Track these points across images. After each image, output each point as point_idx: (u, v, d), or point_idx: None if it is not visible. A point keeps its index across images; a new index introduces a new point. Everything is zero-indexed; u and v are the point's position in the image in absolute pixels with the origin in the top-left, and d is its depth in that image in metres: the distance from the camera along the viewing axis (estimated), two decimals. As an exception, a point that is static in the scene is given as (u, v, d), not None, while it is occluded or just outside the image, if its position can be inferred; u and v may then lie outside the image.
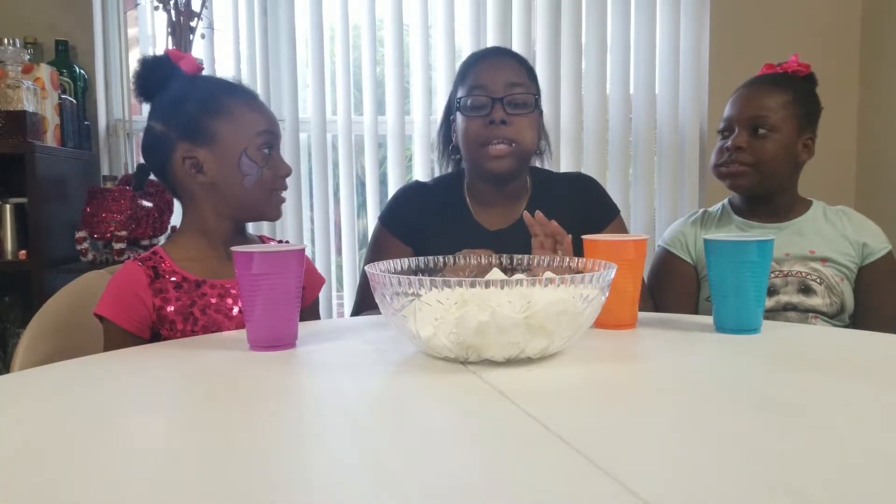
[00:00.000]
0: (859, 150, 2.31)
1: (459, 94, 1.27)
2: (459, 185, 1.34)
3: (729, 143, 1.31)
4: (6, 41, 1.76)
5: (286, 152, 2.10)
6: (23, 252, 1.80)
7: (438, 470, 0.45)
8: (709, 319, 0.92)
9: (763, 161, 1.28)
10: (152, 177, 1.10)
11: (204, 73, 1.10)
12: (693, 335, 0.86)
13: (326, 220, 2.20)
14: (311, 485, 0.44)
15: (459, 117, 1.26)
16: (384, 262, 0.83)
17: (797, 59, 1.34)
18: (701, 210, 1.45)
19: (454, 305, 0.68)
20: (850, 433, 0.51)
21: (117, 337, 0.96)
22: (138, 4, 2.10)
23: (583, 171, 2.20)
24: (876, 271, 1.30)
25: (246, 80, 2.02)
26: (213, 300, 1.00)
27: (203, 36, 2.03)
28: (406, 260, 0.86)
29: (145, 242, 1.87)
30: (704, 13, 2.25)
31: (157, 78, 1.03)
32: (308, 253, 1.26)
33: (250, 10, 2.13)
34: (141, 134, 1.11)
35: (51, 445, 0.51)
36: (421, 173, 2.20)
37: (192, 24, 1.89)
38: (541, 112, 1.30)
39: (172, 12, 1.86)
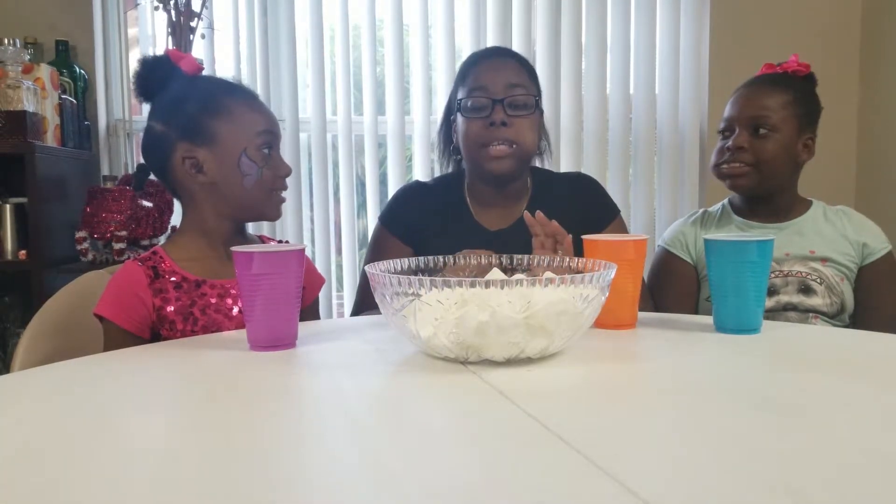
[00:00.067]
0: (859, 150, 2.31)
1: (460, 95, 1.27)
2: (460, 185, 1.34)
3: (730, 143, 1.31)
4: (6, 41, 1.76)
5: (286, 152, 2.10)
6: (23, 252, 1.80)
7: (438, 470, 0.45)
8: (709, 319, 0.92)
9: (764, 161, 1.28)
10: (152, 177, 1.10)
11: (204, 73, 1.10)
12: (693, 335, 0.86)
13: (326, 220, 2.20)
14: (311, 485, 0.44)
15: (460, 118, 1.26)
16: (384, 262, 0.83)
17: (797, 59, 1.34)
18: (701, 210, 1.45)
19: (454, 305, 0.68)
20: (850, 433, 0.51)
21: (117, 337, 0.96)
22: (138, 4, 2.10)
23: (583, 171, 2.20)
24: (876, 271, 1.30)
25: (246, 80, 2.02)
26: (213, 300, 1.00)
27: (203, 36, 2.03)
28: (406, 260, 0.86)
29: (145, 242, 1.87)
30: (704, 13, 2.25)
31: (157, 78, 1.03)
32: (308, 253, 1.26)
33: (250, 10, 2.13)
34: (141, 134, 1.11)
35: (51, 445, 0.51)
36: (421, 173, 2.20)
37: (192, 24, 1.89)
38: (541, 112, 1.30)
39: (172, 12, 1.87)
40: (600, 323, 0.82)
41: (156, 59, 1.04)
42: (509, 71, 1.24)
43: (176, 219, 1.93)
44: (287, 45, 2.14)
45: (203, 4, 1.92)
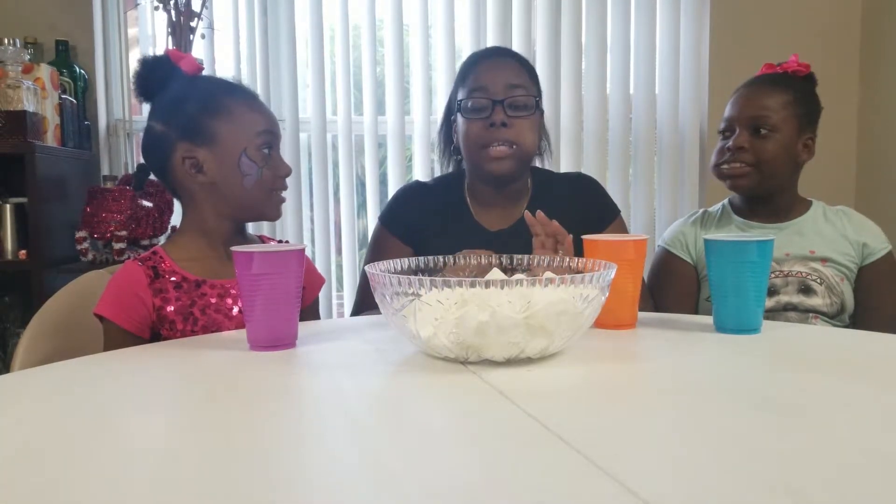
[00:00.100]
0: (859, 150, 2.31)
1: (460, 95, 1.27)
2: (460, 186, 1.34)
3: (730, 143, 1.31)
4: (6, 41, 1.76)
5: (286, 152, 2.10)
6: (23, 252, 1.80)
7: (438, 470, 0.45)
8: (709, 319, 0.92)
9: (764, 161, 1.28)
10: (152, 177, 1.10)
11: (204, 73, 1.10)
12: (693, 335, 0.86)
13: (326, 220, 2.20)
14: (311, 485, 0.44)
15: (460, 119, 1.26)
16: (384, 262, 0.83)
17: (797, 59, 1.34)
18: (701, 210, 1.45)
19: (454, 305, 0.68)
20: (850, 433, 0.51)
21: (117, 337, 0.96)
22: (138, 4, 2.10)
23: (583, 171, 2.20)
24: (876, 271, 1.30)
25: (246, 80, 2.02)
26: (213, 300, 1.00)
27: (203, 36, 2.03)
28: (406, 260, 0.86)
29: (145, 242, 1.87)
30: (704, 13, 2.25)
31: (157, 78, 1.03)
32: (308, 253, 1.26)
33: (250, 10, 2.13)
34: (141, 134, 1.11)
35: (51, 445, 0.51)
36: (421, 173, 2.20)
37: (192, 24, 1.89)
38: (542, 112, 1.30)
39: (172, 12, 1.87)
40: (600, 323, 0.82)
41: (156, 59, 1.04)
42: (509, 71, 1.24)
43: (176, 219, 1.93)
44: (287, 45, 2.14)
45: (203, 4, 1.92)
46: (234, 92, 1.04)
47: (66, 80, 1.98)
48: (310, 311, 1.14)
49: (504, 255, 0.91)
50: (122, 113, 2.15)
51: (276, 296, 0.79)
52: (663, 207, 2.30)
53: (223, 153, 1.00)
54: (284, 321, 0.81)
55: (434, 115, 2.19)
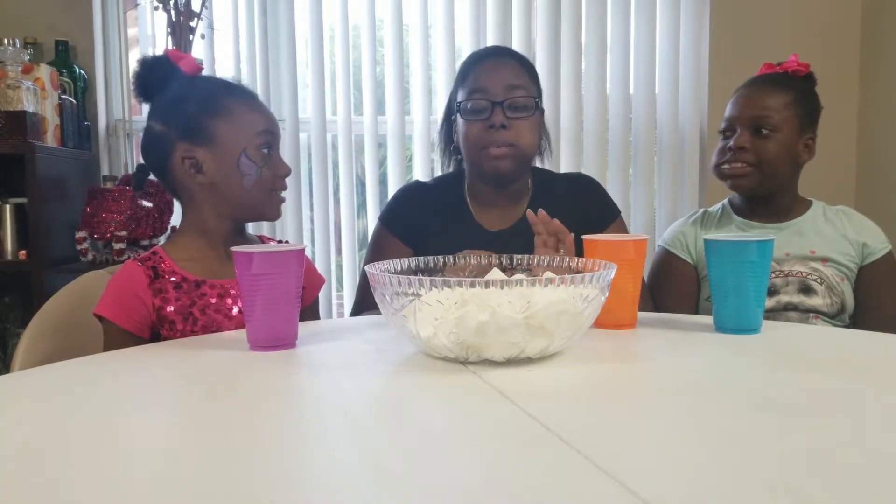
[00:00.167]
0: (859, 150, 2.31)
1: (460, 96, 1.27)
2: (460, 186, 1.34)
3: (731, 143, 1.31)
4: (6, 41, 1.76)
5: (286, 152, 2.10)
6: (23, 252, 1.80)
7: (438, 470, 0.45)
8: (709, 319, 0.92)
9: (765, 161, 1.28)
10: (152, 177, 1.10)
11: (204, 73, 1.10)
12: (693, 335, 0.86)
13: (326, 220, 2.20)
14: (311, 485, 0.44)
15: (460, 120, 1.26)
16: (384, 262, 0.83)
17: (797, 58, 1.34)
18: (701, 210, 1.45)
19: (454, 305, 0.68)
20: (850, 433, 0.51)
21: (117, 337, 0.96)
22: (138, 4, 2.10)
23: (583, 171, 2.20)
24: (876, 271, 1.30)
25: (246, 80, 2.02)
26: (213, 300, 1.00)
27: (203, 36, 2.03)
28: (406, 260, 0.86)
29: (145, 242, 1.87)
30: (704, 13, 2.25)
31: (156, 78, 1.03)
32: (308, 253, 1.26)
33: (250, 10, 2.13)
34: (141, 134, 1.11)
35: (51, 445, 0.51)
36: (421, 173, 2.20)
37: (192, 24, 1.89)
38: (542, 112, 1.29)
39: (172, 12, 1.86)
40: (600, 323, 0.82)
41: (155, 59, 1.04)
42: (509, 72, 1.24)
43: (176, 219, 1.93)
44: (287, 45, 2.14)
45: (203, 4, 1.92)
46: (233, 92, 1.04)
47: (66, 80, 1.98)
48: (310, 311, 1.14)
49: (504, 255, 0.91)
50: (122, 113, 2.15)
51: (276, 296, 0.79)
52: (663, 207, 2.30)
53: (223, 153, 1.00)
54: (284, 321, 0.81)
55: (434, 115, 2.19)
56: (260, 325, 0.80)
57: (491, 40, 2.18)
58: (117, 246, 1.80)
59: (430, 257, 0.89)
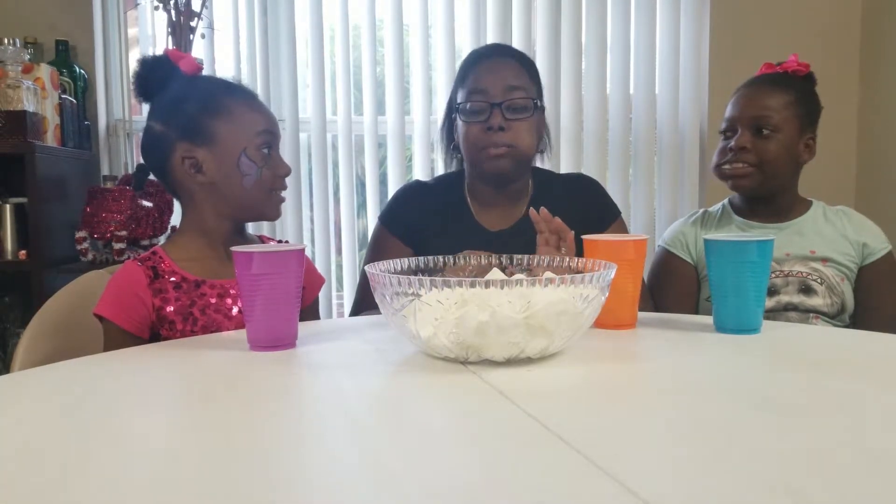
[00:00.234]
0: (859, 150, 2.31)
1: (459, 96, 1.27)
2: (460, 185, 1.34)
3: (732, 143, 1.31)
4: (6, 41, 1.76)
5: (286, 152, 2.10)
6: (23, 252, 1.80)
7: (438, 470, 0.45)
8: (709, 319, 0.92)
9: (766, 161, 1.28)
10: (152, 177, 1.10)
11: (204, 73, 1.10)
12: (693, 335, 0.86)
13: (326, 220, 2.20)
14: (311, 485, 0.44)
15: (459, 120, 1.26)
16: (384, 262, 0.83)
17: (797, 58, 1.34)
18: (701, 210, 1.45)
19: (454, 305, 0.68)
20: (850, 433, 0.51)
21: (117, 337, 0.96)
22: (138, 4, 2.10)
23: (583, 171, 2.20)
24: (876, 271, 1.30)
25: (246, 80, 2.02)
26: (213, 300, 1.00)
27: (203, 36, 2.03)
28: (406, 260, 0.86)
29: (145, 242, 1.87)
30: (704, 13, 2.25)
31: (156, 78, 1.03)
32: (308, 253, 1.26)
33: (250, 10, 2.13)
34: (141, 134, 1.11)
35: (51, 445, 0.51)
36: (421, 173, 2.20)
37: (192, 24, 1.89)
38: (543, 109, 1.29)
39: (172, 12, 1.86)
40: (600, 323, 0.82)
41: (155, 59, 1.04)
42: (509, 72, 1.24)
43: (176, 219, 1.93)
44: (287, 45, 2.14)
45: (203, 4, 1.92)
46: (233, 92, 1.04)
47: (66, 80, 1.98)
48: (310, 311, 1.14)
49: (504, 255, 0.91)
50: (122, 113, 2.15)
51: (276, 296, 0.79)
52: (663, 207, 2.30)
53: (222, 153, 1.00)
54: (284, 321, 0.81)
55: (434, 115, 2.19)
56: (260, 325, 0.80)
57: (491, 40, 2.17)
58: (117, 246, 1.80)
59: (430, 257, 0.89)
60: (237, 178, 1.01)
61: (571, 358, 0.74)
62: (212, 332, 0.97)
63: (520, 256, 0.90)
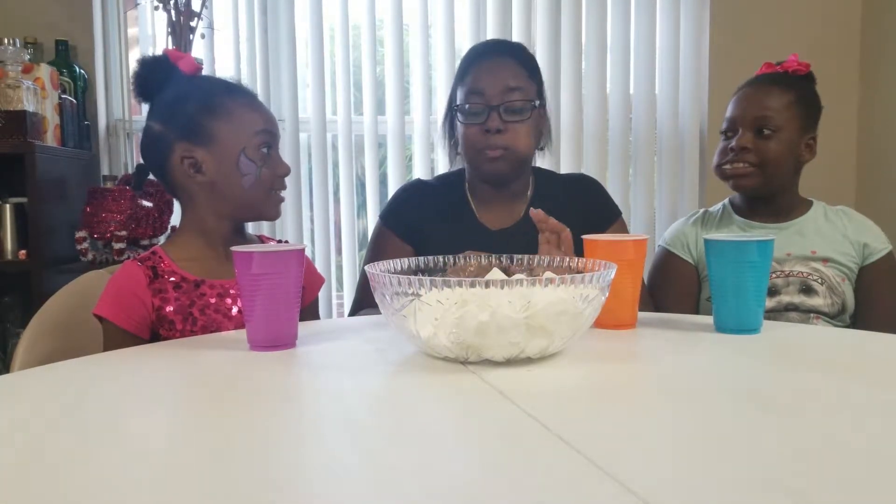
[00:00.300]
0: (859, 150, 2.31)
1: (458, 96, 1.27)
2: (461, 184, 1.34)
3: (733, 143, 1.30)
4: (6, 41, 1.76)
5: (286, 152, 2.10)
6: (23, 252, 1.80)
7: (438, 470, 0.45)
8: (709, 319, 0.92)
9: (768, 161, 1.28)
10: (152, 176, 1.10)
11: (204, 73, 1.10)
12: (693, 335, 0.86)
13: (326, 220, 2.20)
14: (311, 485, 0.44)
15: (458, 121, 1.26)
16: (384, 261, 0.83)
17: (797, 58, 1.34)
18: (701, 210, 1.45)
19: (454, 305, 0.68)
20: (850, 433, 0.51)
21: (117, 337, 0.96)
22: (138, 4, 2.10)
23: (583, 171, 2.20)
24: (876, 271, 1.30)
25: (246, 80, 2.02)
26: (213, 300, 1.00)
27: (203, 36, 2.03)
28: (406, 260, 0.86)
29: (145, 242, 1.87)
30: (704, 13, 2.25)
31: (156, 78, 1.03)
32: (308, 253, 1.26)
33: (250, 10, 2.13)
34: (140, 134, 1.11)
35: (51, 445, 0.51)
36: (421, 173, 2.20)
37: (192, 24, 1.89)
38: (543, 106, 1.29)
39: (172, 12, 1.86)
40: (600, 323, 0.82)
41: (155, 59, 1.04)
42: (507, 73, 1.23)
43: (176, 219, 1.93)
44: (287, 45, 2.14)
45: (203, 4, 1.92)
46: (232, 92, 1.04)
47: (66, 79, 1.98)
48: (310, 311, 1.14)
49: (504, 255, 0.91)
50: (122, 113, 2.15)
51: (276, 296, 0.79)
52: (663, 207, 2.30)
53: (222, 153, 1.00)
54: (284, 321, 0.81)
55: (434, 115, 2.19)
56: (260, 325, 0.80)
57: (491, 40, 2.18)
58: (117, 246, 1.80)
59: (431, 257, 0.89)
60: (236, 178, 1.01)
61: (571, 358, 0.74)
62: (211, 332, 0.97)
63: (520, 256, 0.90)
